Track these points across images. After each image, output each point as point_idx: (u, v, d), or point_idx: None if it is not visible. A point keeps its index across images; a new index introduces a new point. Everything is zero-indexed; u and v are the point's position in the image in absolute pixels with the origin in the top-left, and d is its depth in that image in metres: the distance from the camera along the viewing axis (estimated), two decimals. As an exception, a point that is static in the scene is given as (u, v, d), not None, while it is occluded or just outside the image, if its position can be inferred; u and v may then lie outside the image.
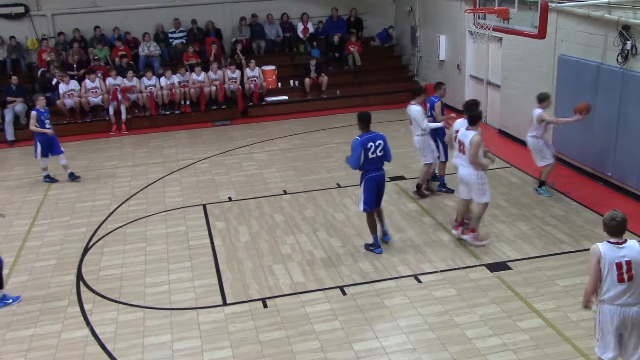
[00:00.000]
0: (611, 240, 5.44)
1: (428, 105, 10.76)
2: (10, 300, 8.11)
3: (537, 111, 10.37)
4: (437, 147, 10.69)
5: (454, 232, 9.25)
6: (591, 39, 10.92)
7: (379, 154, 8.56)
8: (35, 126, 12.14)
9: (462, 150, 8.72)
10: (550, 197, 10.56)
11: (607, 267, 5.38)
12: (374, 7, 19.83)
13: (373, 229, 8.99)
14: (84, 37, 17.90)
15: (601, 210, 9.84)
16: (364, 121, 8.60)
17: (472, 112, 8.74)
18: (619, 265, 5.36)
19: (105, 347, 7.04)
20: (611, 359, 5.65)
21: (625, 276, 5.38)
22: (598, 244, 5.48)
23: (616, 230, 5.41)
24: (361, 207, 8.83)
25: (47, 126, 12.29)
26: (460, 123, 8.99)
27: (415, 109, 10.34)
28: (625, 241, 5.41)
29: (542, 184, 10.74)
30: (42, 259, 9.31)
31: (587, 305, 5.68)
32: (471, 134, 8.53)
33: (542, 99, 10.43)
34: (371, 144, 8.48)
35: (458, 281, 8.06)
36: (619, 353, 5.67)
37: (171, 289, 8.21)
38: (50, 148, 12.35)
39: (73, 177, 12.54)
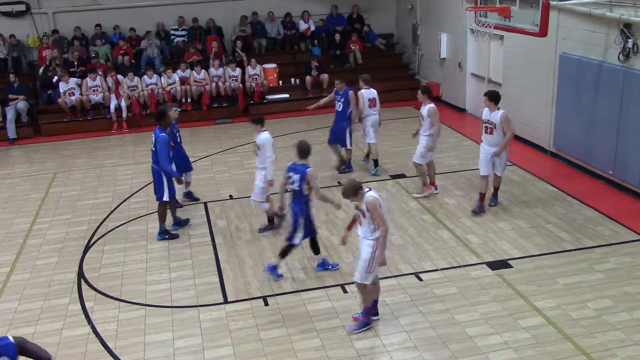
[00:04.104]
0: (367, 189, 6.73)
1: None
2: (330, 267, 8.42)
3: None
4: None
5: None
6: (592, 37, 10.91)
7: (153, 149, 9.49)
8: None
9: None
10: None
11: (385, 209, 6.90)
12: (376, 5, 19.81)
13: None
14: (85, 35, 17.91)
15: (603, 208, 9.85)
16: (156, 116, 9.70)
17: None
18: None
19: (107, 345, 7.06)
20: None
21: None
22: (373, 194, 6.66)
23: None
24: None
25: (178, 139, 10.54)
26: None
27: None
28: (370, 189, 6.79)
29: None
30: (43, 256, 9.32)
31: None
32: None
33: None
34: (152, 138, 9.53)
35: (459, 279, 8.06)
36: None
37: (172, 287, 8.22)
38: (184, 162, 10.65)
39: (191, 197, 11.10)
